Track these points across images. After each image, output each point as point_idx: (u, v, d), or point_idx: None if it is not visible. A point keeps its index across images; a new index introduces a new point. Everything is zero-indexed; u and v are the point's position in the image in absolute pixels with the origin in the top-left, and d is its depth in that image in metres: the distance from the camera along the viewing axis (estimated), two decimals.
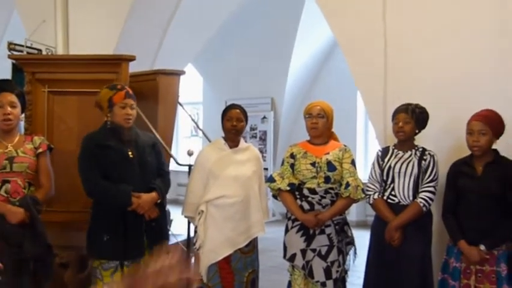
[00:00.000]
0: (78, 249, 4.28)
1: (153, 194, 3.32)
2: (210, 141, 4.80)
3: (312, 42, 9.04)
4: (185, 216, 3.76)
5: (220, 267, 3.52)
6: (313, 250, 3.43)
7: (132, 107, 3.33)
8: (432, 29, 3.88)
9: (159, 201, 3.34)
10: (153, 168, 3.41)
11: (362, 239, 3.70)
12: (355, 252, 3.65)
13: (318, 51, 9.35)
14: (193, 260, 3.71)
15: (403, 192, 3.42)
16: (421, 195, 3.36)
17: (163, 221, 3.50)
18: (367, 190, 3.52)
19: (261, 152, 9.35)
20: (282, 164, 3.63)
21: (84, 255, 4.23)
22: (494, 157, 3.18)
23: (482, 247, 3.06)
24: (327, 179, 3.46)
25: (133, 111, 3.33)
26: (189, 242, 4.63)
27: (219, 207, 3.52)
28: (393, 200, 3.45)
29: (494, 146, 3.19)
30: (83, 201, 4.02)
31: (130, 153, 3.31)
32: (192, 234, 4.06)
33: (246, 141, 3.80)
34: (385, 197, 3.48)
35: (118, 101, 3.29)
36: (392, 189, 3.46)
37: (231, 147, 3.64)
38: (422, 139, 3.57)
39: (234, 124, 3.60)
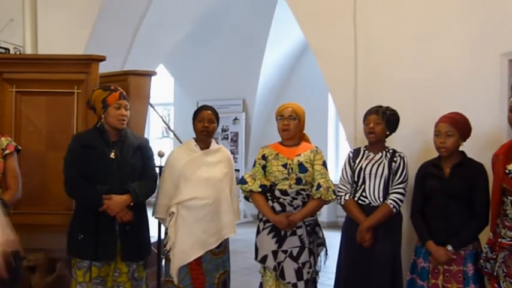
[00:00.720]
0: (46, 252, 4.21)
1: (125, 197, 3.29)
2: (181, 142, 4.78)
3: (283, 43, 9.09)
4: (155, 218, 3.73)
5: (191, 269, 3.50)
6: (285, 251, 3.44)
7: (126, 107, 3.38)
8: (403, 33, 3.94)
9: (131, 204, 3.30)
10: (135, 170, 3.39)
11: (333, 240, 3.73)
12: (326, 253, 3.66)
13: (290, 53, 9.39)
14: (164, 262, 3.70)
15: (374, 193, 3.46)
16: (391, 196, 3.41)
17: (140, 225, 3.47)
18: (339, 191, 3.55)
19: (233, 153, 9.40)
20: (254, 165, 3.64)
21: (52, 258, 4.16)
22: (462, 159, 3.23)
23: (449, 247, 3.11)
24: (299, 181, 3.47)
25: (127, 112, 3.38)
26: (159, 244, 4.60)
27: (190, 208, 3.50)
28: (364, 201, 3.48)
29: (462, 148, 3.25)
30: (52, 203, 3.96)
31: (113, 154, 3.34)
32: (162, 236, 4.02)
33: (217, 143, 3.79)
34: (356, 198, 3.51)
35: (112, 101, 3.33)
36: (363, 190, 3.50)
37: (202, 148, 3.63)
38: (392, 141, 3.62)
39: (205, 125, 3.59)
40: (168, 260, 3.57)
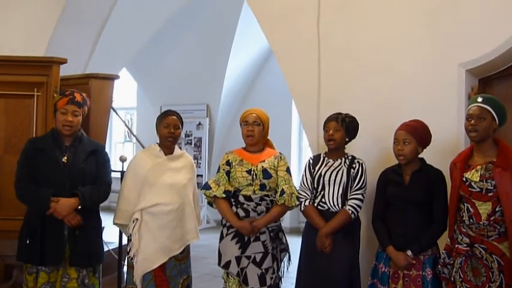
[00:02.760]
0: (2, 259, 4.10)
1: (73, 200, 3.26)
2: (143, 147, 4.73)
3: (248, 49, 9.11)
4: (116, 224, 3.67)
5: (155, 275, 3.46)
6: (248, 257, 3.45)
7: (74, 113, 3.35)
8: (364, 42, 4.01)
9: (79, 207, 3.26)
10: (86, 175, 3.36)
11: (296, 245, 3.75)
12: (289, 259, 3.69)
13: (254, 59, 9.43)
14: (126, 269, 3.65)
15: (333, 199, 3.50)
16: (350, 202, 3.45)
17: (92, 231, 3.43)
18: (299, 197, 3.57)
19: (196, 158, 9.37)
20: (218, 171, 3.63)
21: (9, 265, 4.05)
22: (421, 166, 3.30)
23: (409, 252, 3.16)
24: (263, 187, 3.48)
25: (75, 118, 3.35)
26: (120, 250, 4.54)
27: (155, 215, 3.46)
28: (323, 207, 3.52)
29: (422, 155, 3.32)
30: (8, 208, 3.87)
31: (65, 158, 3.32)
32: (124, 242, 3.97)
33: (180, 148, 3.77)
34: (315, 204, 3.54)
35: (60, 106, 3.34)
36: (323, 196, 3.53)
37: (166, 154, 3.60)
38: (352, 147, 3.67)
39: (171, 131, 3.56)
40: (131, 267, 3.52)
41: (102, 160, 3.49)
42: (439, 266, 3.10)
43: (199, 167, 9.43)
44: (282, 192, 3.48)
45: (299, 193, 3.59)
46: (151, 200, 3.46)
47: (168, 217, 3.47)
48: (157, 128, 3.62)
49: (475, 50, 3.56)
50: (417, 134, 3.24)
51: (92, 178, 3.37)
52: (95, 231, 3.48)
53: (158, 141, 3.65)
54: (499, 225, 2.85)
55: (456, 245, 2.99)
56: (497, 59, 3.54)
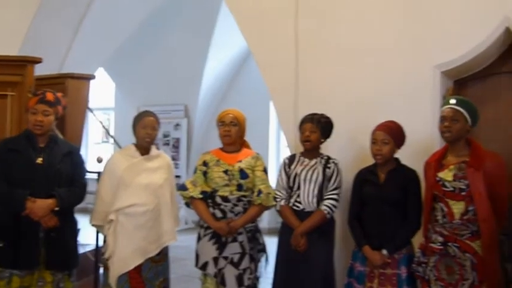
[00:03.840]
0: None
1: (50, 201, 3.21)
2: (121, 148, 4.70)
3: (226, 50, 9.10)
4: (93, 225, 3.64)
5: (130, 277, 3.44)
6: (226, 258, 3.45)
7: (45, 113, 3.28)
8: (342, 43, 4.05)
9: (56, 209, 3.22)
10: (62, 177, 3.31)
11: (274, 245, 3.76)
12: (266, 259, 3.69)
13: (232, 59, 9.42)
14: (102, 270, 3.62)
15: (308, 199, 3.52)
16: (325, 202, 3.48)
17: (68, 233, 3.38)
18: (275, 197, 3.58)
19: (174, 159, 9.33)
20: (195, 171, 3.62)
21: None
22: (396, 166, 3.34)
23: (384, 252, 3.20)
24: (240, 187, 3.49)
25: (46, 118, 3.28)
26: (97, 252, 4.50)
27: (130, 215, 3.44)
28: (298, 207, 3.54)
29: (396, 155, 3.36)
30: None
31: (40, 159, 3.26)
32: (100, 243, 3.94)
33: (158, 149, 3.75)
34: (290, 204, 3.56)
35: (30, 106, 3.28)
36: (298, 196, 3.55)
37: (142, 154, 3.58)
38: (328, 147, 3.70)
39: (149, 132, 3.54)
40: (106, 269, 3.49)
41: (78, 162, 3.45)
42: (414, 265, 3.14)
43: (178, 167, 9.37)
44: (259, 192, 3.48)
45: (275, 193, 3.60)
46: (127, 201, 3.44)
47: (144, 218, 3.45)
48: (134, 128, 3.60)
49: (450, 52, 3.61)
50: (395, 134, 3.29)
51: (68, 180, 3.33)
52: (71, 234, 3.44)
53: (135, 142, 3.63)
54: (471, 224, 2.91)
55: (430, 244, 3.03)
56: (472, 61, 3.60)
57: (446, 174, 2.98)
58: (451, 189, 2.95)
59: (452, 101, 3.01)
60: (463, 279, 2.90)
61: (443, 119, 3.00)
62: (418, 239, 3.22)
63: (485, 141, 3.31)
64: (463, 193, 2.91)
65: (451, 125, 2.96)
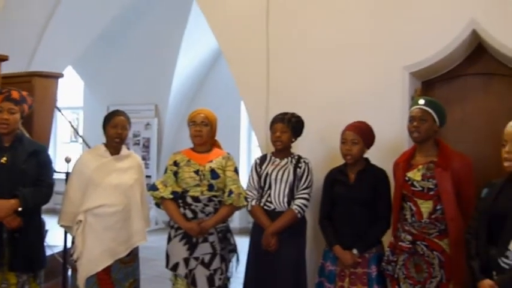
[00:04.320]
0: None
1: (13, 201, 3.15)
2: (90, 147, 4.64)
3: (197, 49, 9.07)
4: (61, 226, 3.59)
5: (99, 279, 3.39)
6: (196, 258, 3.43)
7: (10, 111, 3.23)
8: (312, 43, 4.07)
9: (20, 209, 3.16)
10: (27, 176, 3.25)
11: (245, 245, 3.76)
12: (237, 260, 3.69)
13: (204, 59, 9.39)
14: (70, 272, 3.56)
15: (279, 198, 3.54)
16: (296, 202, 3.49)
17: (33, 234, 3.32)
18: (246, 197, 3.58)
19: (145, 159, 9.24)
20: (165, 171, 3.60)
21: None
22: (365, 165, 3.38)
23: (355, 251, 3.23)
24: (211, 187, 3.47)
25: (12, 116, 3.23)
26: (65, 253, 4.43)
27: (99, 216, 3.40)
28: (269, 207, 3.55)
29: (366, 155, 3.39)
30: None
31: (4, 159, 3.21)
32: (68, 244, 3.88)
33: (128, 148, 3.72)
34: (261, 204, 3.57)
35: None
36: (269, 195, 3.56)
37: (112, 154, 3.54)
38: (299, 147, 3.72)
39: (119, 132, 3.51)
40: (74, 270, 3.44)
41: (44, 161, 3.39)
42: (383, 263, 3.18)
43: (148, 167, 9.30)
44: (230, 192, 3.48)
45: (246, 193, 3.60)
46: (96, 201, 3.39)
47: (113, 218, 3.41)
48: (104, 128, 3.56)
49: (418, 54, 3.67)
50: (364, 134, 3.32)
51: (32, 179, 3.27)
52: (36, 234, 3.38)
53: (105, 142, 3.58)
54: (439, 223, 2.96)
55: (399, 243, 3.07)
56: (439, 62, 3.67)
57: (415, 174, 3.03)
58: (420, 188, 2.99)
59: (421, 101, 3.06)
60: (431, 277, 2.94)
61: (412, 119, 3.04)
62: (387, 238, 3.27)
63: (453, 141, 3.38)
64: (431, 192, 2.96)
65: (419, 125, 3.00)
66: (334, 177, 3.42)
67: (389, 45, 3.78)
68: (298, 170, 3.55)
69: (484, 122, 3.68)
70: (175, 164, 3.56)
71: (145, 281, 4.11)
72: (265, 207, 3.56)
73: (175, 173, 3.53)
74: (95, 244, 3.38)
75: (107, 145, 3.57)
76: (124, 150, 3.61)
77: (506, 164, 2.50)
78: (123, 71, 9.50)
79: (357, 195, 3.28)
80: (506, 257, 2.42)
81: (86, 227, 3.39)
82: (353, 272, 3.26)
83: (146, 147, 9.58)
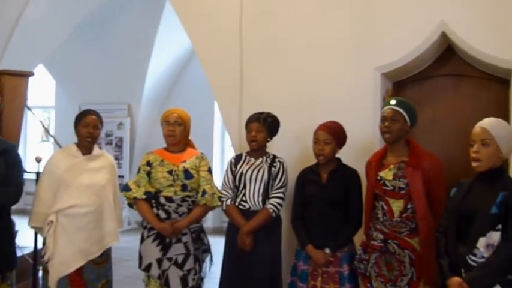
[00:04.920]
0: None
1: None
2: (61, 147, 4.59)
3: (170, 48, 9.02)
4: (32, 227, 3.53)
5: (71, 280, 3.36)
6: (170, 259, 3.42)
7: None
8: (286, 44, 4.09)
9: None
10: None
11: (219, 245, 3.76)
12: (211, 260, 3.69)
13: (177, 58, 9.35)
14: (41, 273, 3.52)
15: (254, 198, 3.54)
16: (271, 201, 3.50)
17: (2, 235, 3.27)
18: (221, 197, 3.58)
19: (117, 159, 9.16)
20: (138, 172, 3.57)
21: None
22: (338, 165, 3.41)
23: (327, 250, 3.26)
24: (184, 187, 3.46)
25: None
26: (35, 255, 4.37)
27: (71, 216, 3.36)
28: (244, 206, 3.56)
29: (338, 155, 3.42)
30: None
31: None
32: (39, 245, 3.82)
33: (100, 148, 3.68)
34: (236, 203, 3.57)
35: None
36: (244, 195, 3.57)
37: (84, 154, 3.50)
38: (274, 146, 3.74)
39: (91, 131, 3.47)
40: (46, 272, 3.40)
41: (13, 161, 3.33)
42: (356, 262, 3.21)
43: (121, 167, 9.21)
44: (204, 192, 3.47)
45: (221, 192, 3.60)
46: (67, 202, 3.36)
47: (85, 219, 3.38)
48: (75, 127, 3.52)
49: (389, 55, 3.72)
50: (336, 134, 3.34)
51: (1, 179, 3.21)
52: (5, 235, 3.32)
53: (76, 142, 3.54)
54: (410, 221, 3.00)
55: (371, 241, 3.11)
56: (410, 63, 3.73)
57: (387, 174, 3.07)
58: (391, 188, 3.03)
59: (393, 101, 3.10)
60: (402, 275, 2.99)
61: (383, 119, 3.08)
62: (359, 237, 3.30)
63: (423, 141, 3.43)
64: (403, 192, 3.00)
65: (391, 125, 3.04)
66: (306, 177, 3.44)
67: (361, 47, 3.82)
68: (273, 169, 3.56)
69: (453, 123, 3.75)
70: (149, 164, 3.53)
71: (118, 282, 4.08)
72: (240, 206, 3.56)
73: (149, 173, 3.51)
74: (67, 245, 3.34)
75: (78, 145, 3.53)
76: (96, 150, 3.57)
77: (474, 163, 2.56)
78: (96, 69, 9.39)
79: (329, 195, 3.30)
80: (474, 255, 2.48)
81: (58, 227, 3.35)
82: (325, 271, 3.28)
83: (119, 146, 9.50)
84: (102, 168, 3.53)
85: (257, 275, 3.46)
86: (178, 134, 3.52)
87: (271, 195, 3.52)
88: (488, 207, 2.46)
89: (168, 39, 8.70)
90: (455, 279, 2.51)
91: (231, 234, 3.58)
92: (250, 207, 3.54)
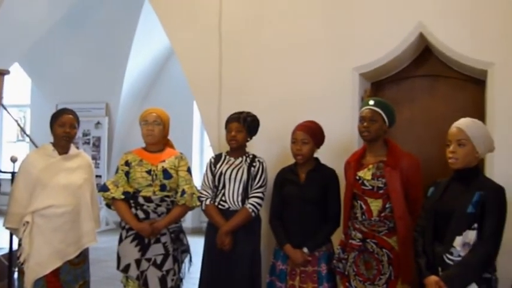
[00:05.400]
0: None
1: None
2: (37, 146, 4.53)
3: (150, 47, 8.96)
4: (7, 228, 3.48)
5: (47, 281, 3.32)
6: (148, 259, 3.39)
7: None
8: (266, 44, 4.10)
9: None
10: None
11: (198, 245, 3.75)
12: (190, 260, 3.68)
13: (156, 57, 9.29)
14: (17, 275, 3.46)
15: (233, 197, 3.53)
16: (250, 200, 3.50)
17: None
18: (200, 196, 3.57)
19: (95, 158, 9.08)
20: (116, 171, 3.54)
21: None
22: (316, 165, 3.42)
23: (305, 250, 3.27)
24: (163, 187, 3.44)
25: None
26: (11, 256, 4.31)
27: (47, 217, 3.32)
28: (223, 206, 3.54)
29: (316, 155, 3.44)
30: None
31: None
32: (15, 247, 3.76)
33: (78, 148, 3.64)
34: (216, 203, 3.56)
35: None
36: (223, 194, 3.56)
37: (60, 153, 3.46)
38: (253, 146, 3.74)
39: (67, 131, 3.43)
40: (22, 273, 3.34)
41: None
42: (334, 261, 3.23)
43: (98, 167, 9.14)
44: (183, 192, 3.46)
45: (200, 192, 3.59)
46: (44, 202, 3.32)
47: (62, 219, 3.34)
48: (51, 126, 3.47)
49: (368, 55, 3.75)
50: (314, 134, 3.35)
51: None
52: None
53: (52, 141, 3.49)
54: (388, 221, 3.03)
55: (350, 241, 3.13)
56: (388, 64, 3.76)
57: (365, 173, 3.09)
58: (370, 187, 3.06)
59: (371, 102, 3.12)
60: (381, 274, 3.01)
61: (362, 119, 3.10)
62: (337, 237, 3.32)
63: (401, 141, 3.47)
64: (381, 191, 3.02)
65: (369, 125, 3.06)
66: (285, 177, 3.45)
67: (339, 47, 3.84)
68: (252, 169, 3.56)
69: (430, 123, 3.80)
70: (127, 164, 3.51)
71: (96, 283, 4.05)
72: (220, 206, 3.55)
73: (127, 173, 3.48)
74: (43, 246, 3.30)
75: (54, 144, 3.48)
76: (73, 150, 3.53)
77: (450, 161, 2.59)
78: (73, 68, 9.26)
79: (307, 195, 3.31)
80: (451, 254, 2.51)
81: (34, 228, 3.31)
82: (303, 271, 3.30)
83: (96, 146, 9.41)
84: (79, 168, 3.49)
85: (237, 275, 3.46)
86: (157, 133, 3.49)
87: (250, 195, 3.52)
88: (465, 207, 2.50)
89: (147, 37, 8.63)
90: (433, 278, 2.55)
91: (210, 234, 3.57)
92: (229, 207, 3.53)
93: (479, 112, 3.52)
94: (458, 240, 2.49)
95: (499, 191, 2.53)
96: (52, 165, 3.40)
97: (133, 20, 8.44)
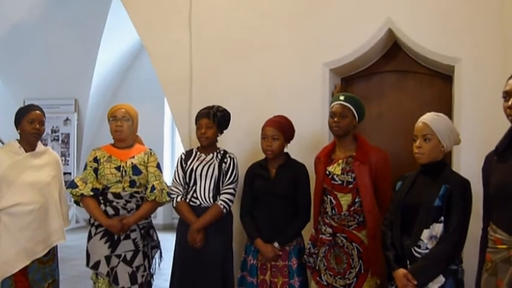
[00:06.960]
0: None
1: None
2: (3, 143, 4.43)
3: (119, 42, 8.86)
4: None
5: (15, 281, 3.28)
6: (118, 256, 3.37)
7: None
8: (236, 39, 4.09)
9: None
10: None
11: (169, 242, 3.73)
12: (160, 256, 3.66)
13: (126, 52, 9.19)
14: None
15: (204, 194, 3.52)
16: (222, 197, 3.49)
17: None
18: (171, 193, 3.55)
19: (64, 155, 8.95)
20: (85, 168, 3.50)
21: None
22: (286, 160, 3.43)
23: (276, 244, 3.28)
24: (132, 183, 3.42)
25: None
26: None
27: (14, 215, 3.27)
28: (195, 203, 3.52)
29: (286, 150, 3.45)
30: None
31: None
32: None
33: (46, 144, 3.58)
34: (187, 200, 3.55)
35: None
36: (194, 191, 3.54)
37: (27, 150, 3.40)
38: (225, 141, 3.73)
39: (37, 127, 3.38)
40: None
41: None
42: (305, 256, 3.26)
43: (68, 164, 9.02)
44: (153, 188, 3.44)
45: (171, 189, 3.57)
46: (10, 200, 3.26)
47: (29, 217, 3.29)
48: (19, 123, 3.41)
49: (337, 51, 3.78)
50: (284, 130, 3.36)
51: None
52: None
53: (18, 138, 3.43)
54: (358, 215, 3.06)
55: (320, 235, 3.16)
56: (357, 60, 3.80)
57: (335, 168, 3.11)
58: (339, 182, 3.08)
59: (341, 97, 3.14)
60: (351, 268, 3.05)
61: (332, 114, 3.12)
62: (308, 231, 3.34)
63: (370, 136, 3.51)
64: (350, 186, 3.05)
65: (339, 121, 3.08)
66: (255, 172, 3.46)
67: (309, 43, 3.86)
68: (223, 165, 3.55)
69: (398, 118, 3.85)
70: (96, 160, 3.47)
71: (66, 281, 4.01)
72: (191, 203, 3.53)
73: (96, 170, 3.45)
74: (10, 245, 3.26)
75: (21, 141, 3.42)
76: (40, 147, 3.47)
77: (416, 155, 2.64)
78: (41, 63, 9.09)
79: (277, 190, 3.33)
80: (419, 247, 2.56)
81: (1, 227, 3.26)
82: (274, 265, 3.31)
83: (65, 143, 9.28)
84: (46, 165, 3.44)
85: (208, 271, 3.45)
86: (125, 129, 3.46)
87: (222, 191, 3.51)
88: (432, 200, 2.54)
89: (116, 32, 8.53)
90: (401, 271, 2.59)
91: (182, 230, 3.55)
92: (201, 204, 3.51)
93: (446, 107, 3.58)
94: (425, 233, 2.54)
95: (465, 184, 2.58)
96: (18, 162, 3.34)
97: (102, 14, 8.33)
